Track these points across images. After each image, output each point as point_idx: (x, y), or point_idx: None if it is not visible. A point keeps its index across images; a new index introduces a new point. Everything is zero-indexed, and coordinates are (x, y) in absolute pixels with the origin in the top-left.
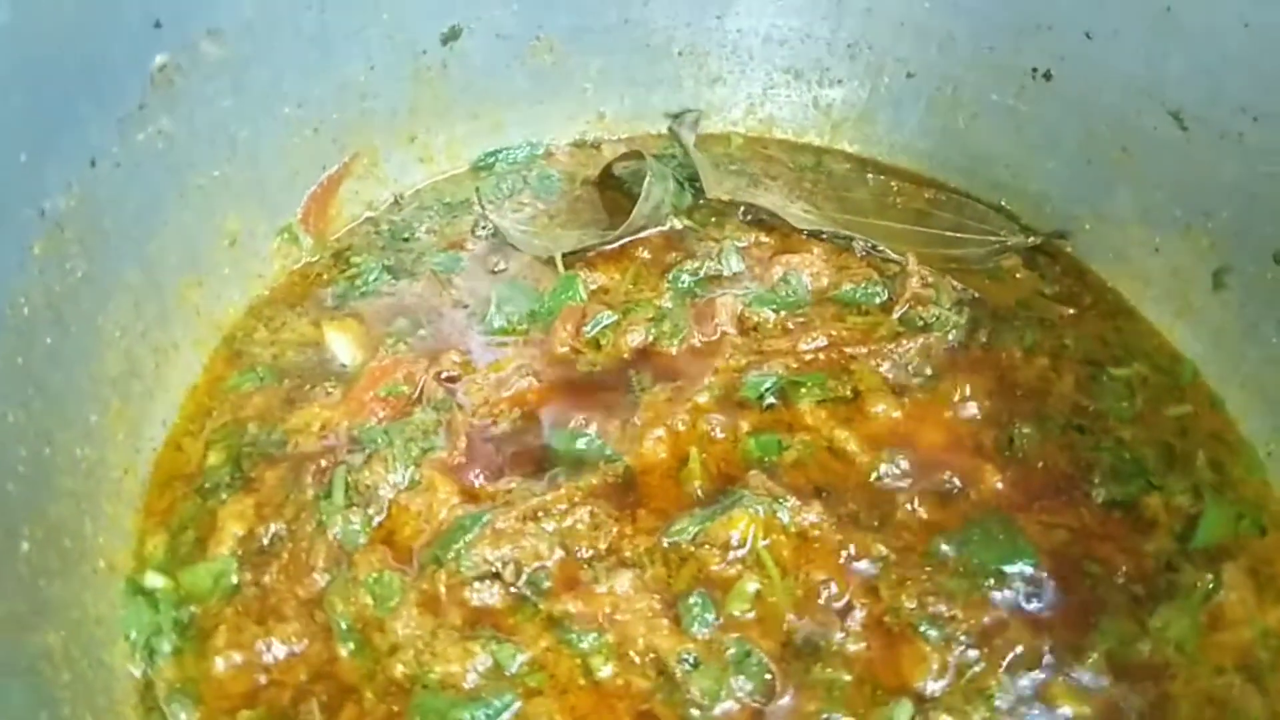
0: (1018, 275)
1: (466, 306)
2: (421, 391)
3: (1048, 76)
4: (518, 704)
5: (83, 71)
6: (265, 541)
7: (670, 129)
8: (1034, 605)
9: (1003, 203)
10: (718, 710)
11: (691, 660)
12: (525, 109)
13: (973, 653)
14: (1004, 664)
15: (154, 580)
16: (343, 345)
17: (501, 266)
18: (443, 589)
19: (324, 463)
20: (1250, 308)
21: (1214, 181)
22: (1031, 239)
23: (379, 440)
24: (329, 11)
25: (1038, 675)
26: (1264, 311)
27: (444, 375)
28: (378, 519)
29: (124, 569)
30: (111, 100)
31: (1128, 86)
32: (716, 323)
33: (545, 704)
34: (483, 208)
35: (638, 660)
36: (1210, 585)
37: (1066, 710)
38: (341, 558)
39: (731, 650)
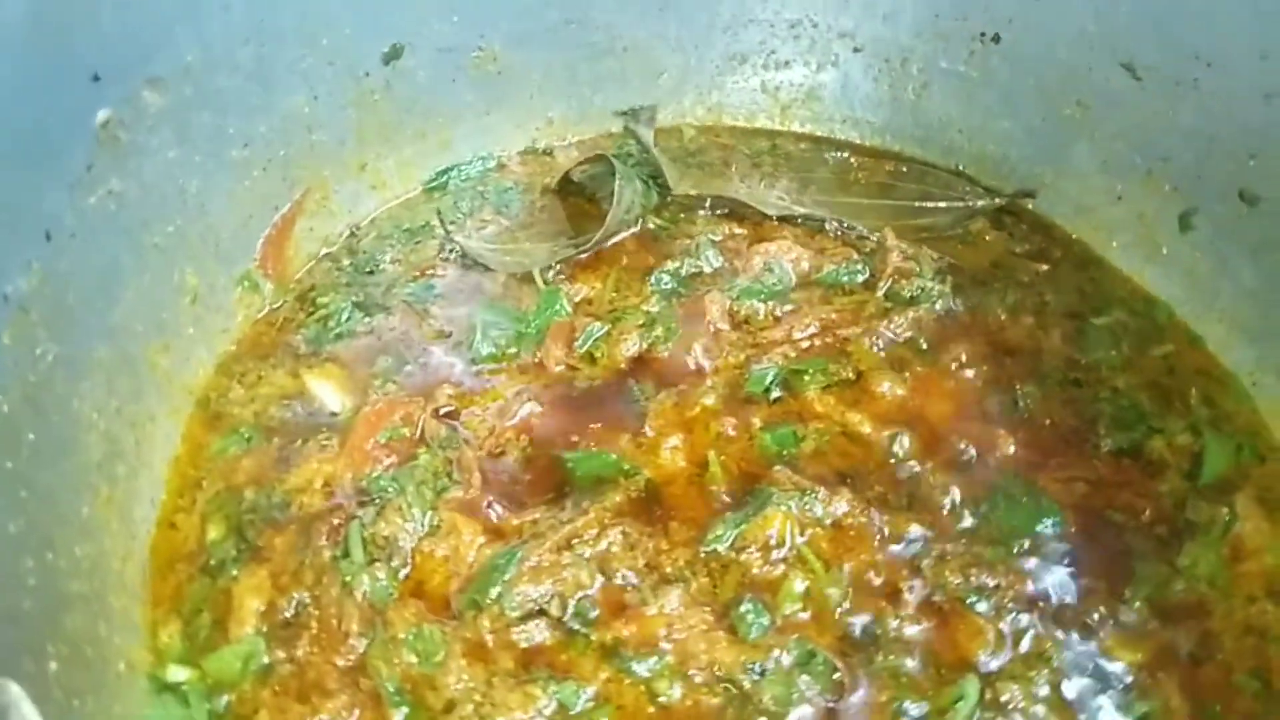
0: (987, 237)
1: (449, 335)
2: (423, 431)
3: (996, 39)
4: None
5: (28, 139)
6: (290, 613)
7: (626, 126)
8: (1068, 562)
9: (961, 167)
10: (792, 716)
11: (758, 669)
12: (473, 121)
13: (1024, 618)
14: (1055, 624)
15: (177, 673)
16: (328, 392)
17: (476, 289)
18: (488, 634)
19: (335, 520)
20: (1219, 245)
21: (1172, 128)
22: (997, 200)
23: (389, 489)
24: (266, 44)
25: (1089, 630)
26: (1233, 248)
27: (442, 411)
28: (404, 571)
29: (144, 666)
30: (60, 166)
31: (1078, 42)
32: (708, 320)
33: None
34: (446, 230)
35: (702, 678)
36: (1226, 518)
37: (1122, 661)
38: (374, 617)
39: (794, 652)
